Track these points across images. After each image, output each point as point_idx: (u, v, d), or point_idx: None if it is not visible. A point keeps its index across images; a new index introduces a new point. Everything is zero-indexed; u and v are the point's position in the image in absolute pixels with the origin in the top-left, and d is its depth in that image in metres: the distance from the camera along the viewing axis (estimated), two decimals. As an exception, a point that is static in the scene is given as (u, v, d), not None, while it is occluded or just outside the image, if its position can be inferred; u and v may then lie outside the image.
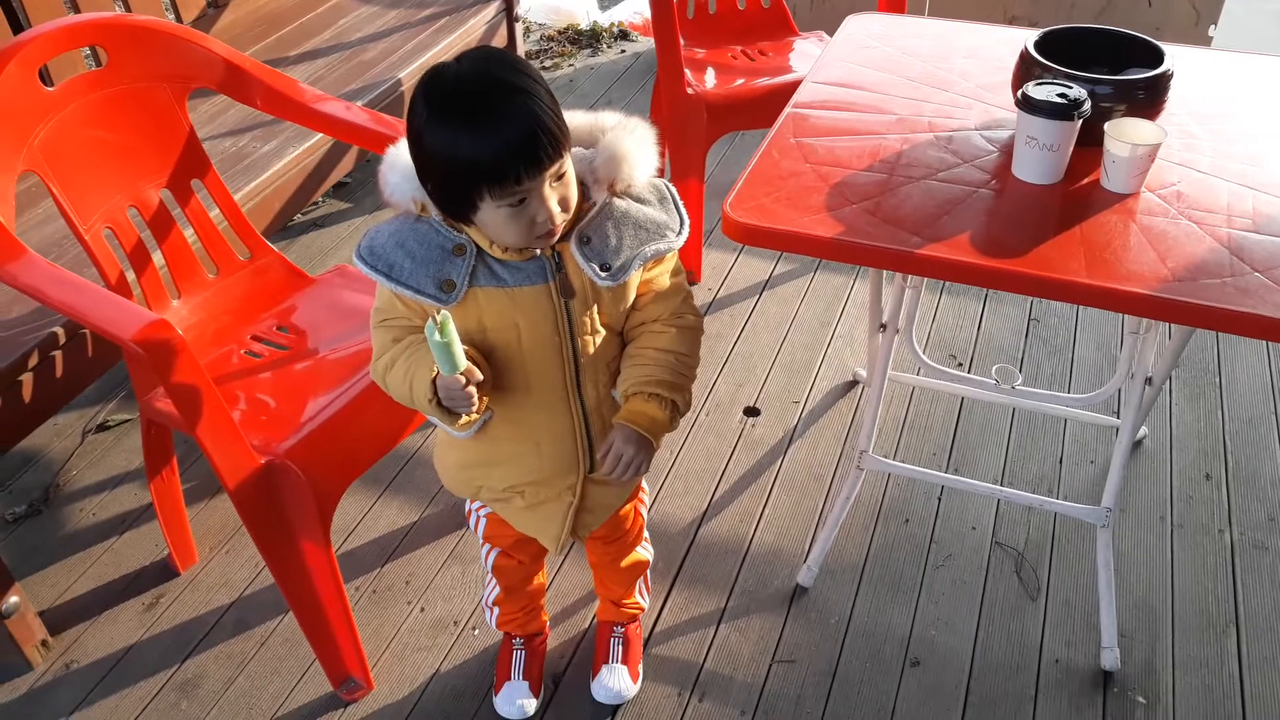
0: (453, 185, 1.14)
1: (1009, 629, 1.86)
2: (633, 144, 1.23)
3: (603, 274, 1.23)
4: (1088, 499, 1.85)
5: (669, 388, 1.31)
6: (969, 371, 2.39)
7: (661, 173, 1.29)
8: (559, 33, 4.14)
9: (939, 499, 2.10)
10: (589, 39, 4.08)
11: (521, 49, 3.24)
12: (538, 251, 1.21)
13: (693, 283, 2.73)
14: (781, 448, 2.24)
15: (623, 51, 3.98)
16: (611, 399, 1.35)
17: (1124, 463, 1.77)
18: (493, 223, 1.16)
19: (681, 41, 2.81)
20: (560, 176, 1.14)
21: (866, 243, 1.37)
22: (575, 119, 1.26)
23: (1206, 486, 2.11)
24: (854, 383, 2.40)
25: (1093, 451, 2.19)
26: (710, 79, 2.63)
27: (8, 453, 2.28)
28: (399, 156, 1.21)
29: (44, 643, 1.86)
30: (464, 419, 1.25)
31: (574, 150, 1.23)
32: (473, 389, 1.20)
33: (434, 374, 1.20)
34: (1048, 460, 2.18)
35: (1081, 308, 2.57)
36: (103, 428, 2.35)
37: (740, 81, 2.61)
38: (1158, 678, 1.78)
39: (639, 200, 1.26)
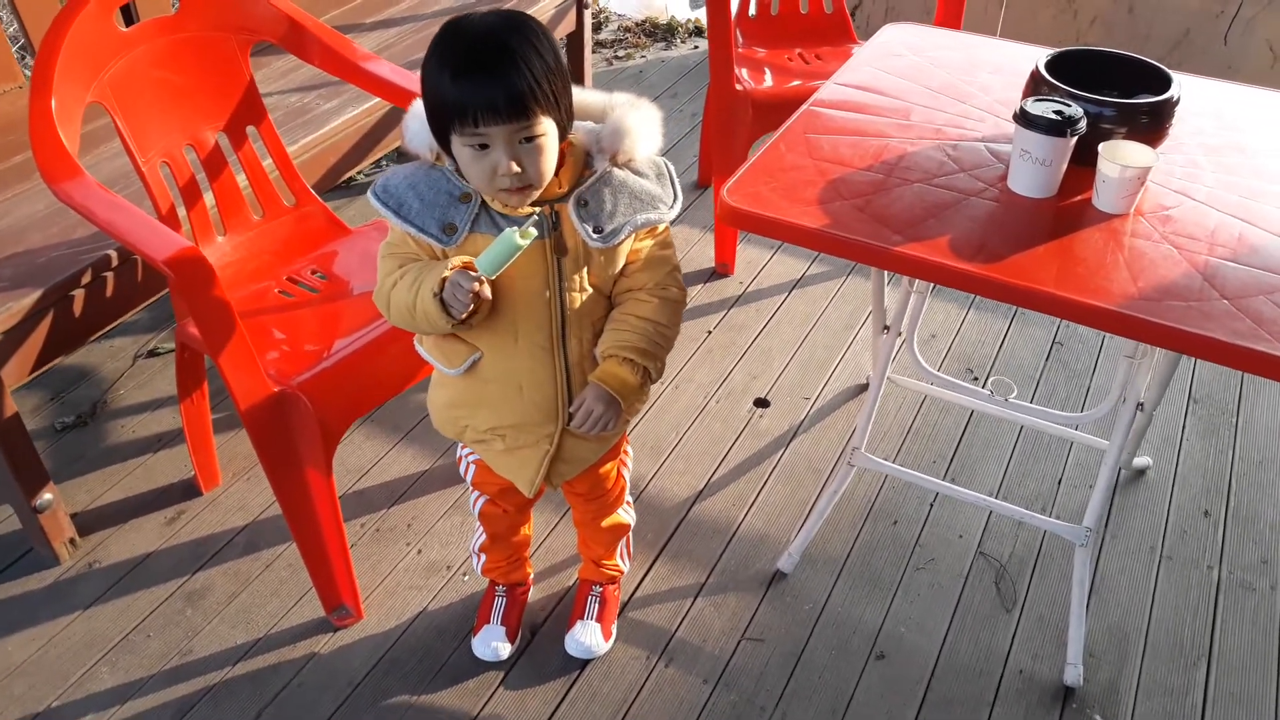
0: (433, 114, 1.25)
1: (978, 635, 1.89)
2: (637, 120, 1.32)
3: (595, 235, 1.31)
4: (1079, 521, 1.87)
5: (643, 354, 1.39)
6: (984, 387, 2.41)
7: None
8: (636, 24, 4.23)
9: (931, 505, 2.13)
10: (664, 33, 4.16)
11: (589, 37, 3.33)
12: (537, 210, 1.30)
13: (726, 275, 2.79)
14: (785, 440, 2.29)
15: (695, 48, 4.05)
16: (594, 357, 1.42)
17: (1108, 485, 1.78)
18: (461, 159, 1.26)
19: (740, 40, 2.89)
20: (531, 139, 1.22)
21: (846, 235, 1.42)
22: (590, 96, 1.36)
23: (1204, 523, 2.11)
24: (866, 386, 2.44)
25: (1092, 477, 2.20)
26: (764, 78, 2.69)
27: (64, 366, 2.45)
28: (420, 107, 1.31)
29: (72, 541, 2.02)
30: (449, 321, 1.31)
31: (583, 124, 1.33)
32: (476, 291, 1.27)
33: (444, 277, 1.28)
34: (1046, 480, 2.20)
35: (1107, 337, 2.57)
36: (153, 354, 2.51)
37: (796, 83, 2.67)
38: (1119, 699, 1.79)
39: (638, 173, 1.34)
